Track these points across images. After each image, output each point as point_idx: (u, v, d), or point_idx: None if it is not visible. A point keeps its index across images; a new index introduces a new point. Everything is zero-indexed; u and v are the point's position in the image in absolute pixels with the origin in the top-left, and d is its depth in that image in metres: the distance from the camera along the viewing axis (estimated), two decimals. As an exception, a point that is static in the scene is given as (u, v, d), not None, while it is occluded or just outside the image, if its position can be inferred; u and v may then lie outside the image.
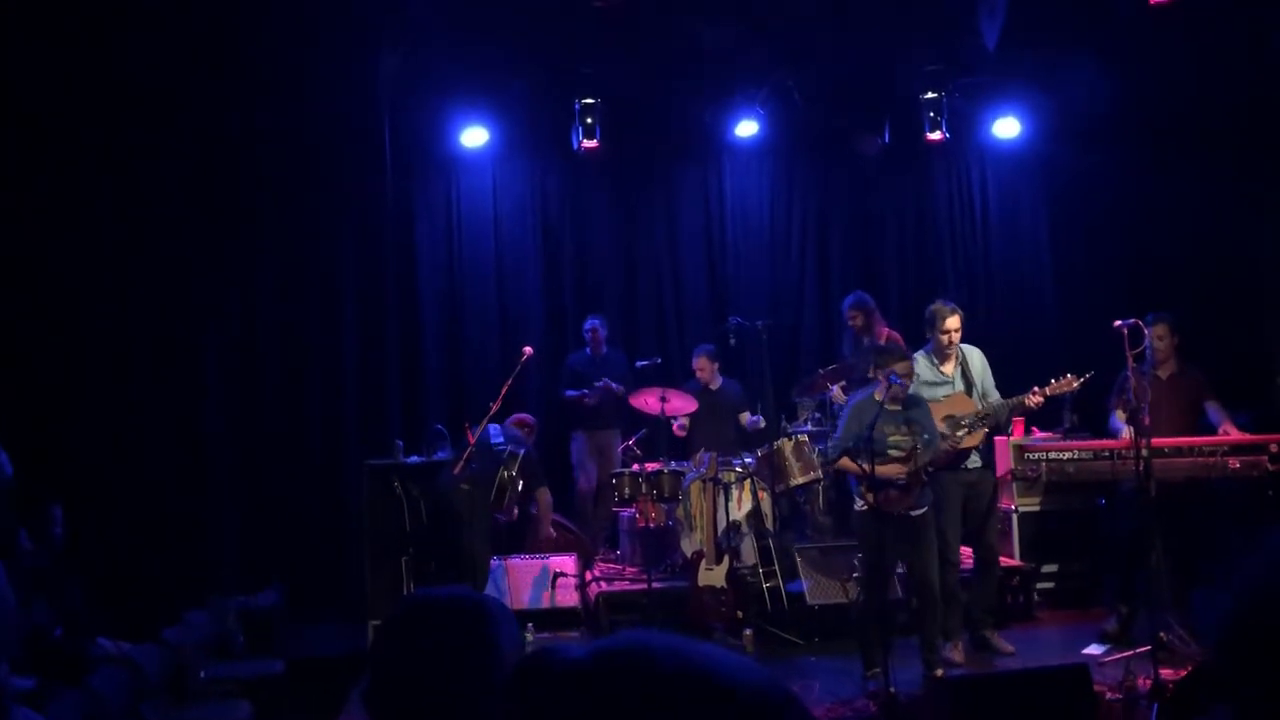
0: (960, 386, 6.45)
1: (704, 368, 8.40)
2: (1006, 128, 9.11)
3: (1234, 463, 6.72)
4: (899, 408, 5.83)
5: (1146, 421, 6.07)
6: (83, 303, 8.00)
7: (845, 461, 5.82)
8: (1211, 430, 6.89)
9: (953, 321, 6.41)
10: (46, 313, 7.86)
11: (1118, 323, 6.11)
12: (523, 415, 7.66)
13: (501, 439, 7.00)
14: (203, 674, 5.85)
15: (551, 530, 7.53)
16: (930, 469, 5.90)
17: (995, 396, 6.46)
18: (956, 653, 6.34)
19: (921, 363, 6.37)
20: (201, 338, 8.37)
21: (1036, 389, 6.30)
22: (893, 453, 5.77)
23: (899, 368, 5.78)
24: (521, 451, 7.00)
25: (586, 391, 8.49)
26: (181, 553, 7.78)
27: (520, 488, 7.04)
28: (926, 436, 5.83)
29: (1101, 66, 8.01)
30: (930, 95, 8.58)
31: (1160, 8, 6.28)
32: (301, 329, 8.65)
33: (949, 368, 6.48)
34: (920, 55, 8.35)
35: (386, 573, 7.17)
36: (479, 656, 1.77)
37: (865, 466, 5.65)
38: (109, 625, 5.70)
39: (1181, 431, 6.78)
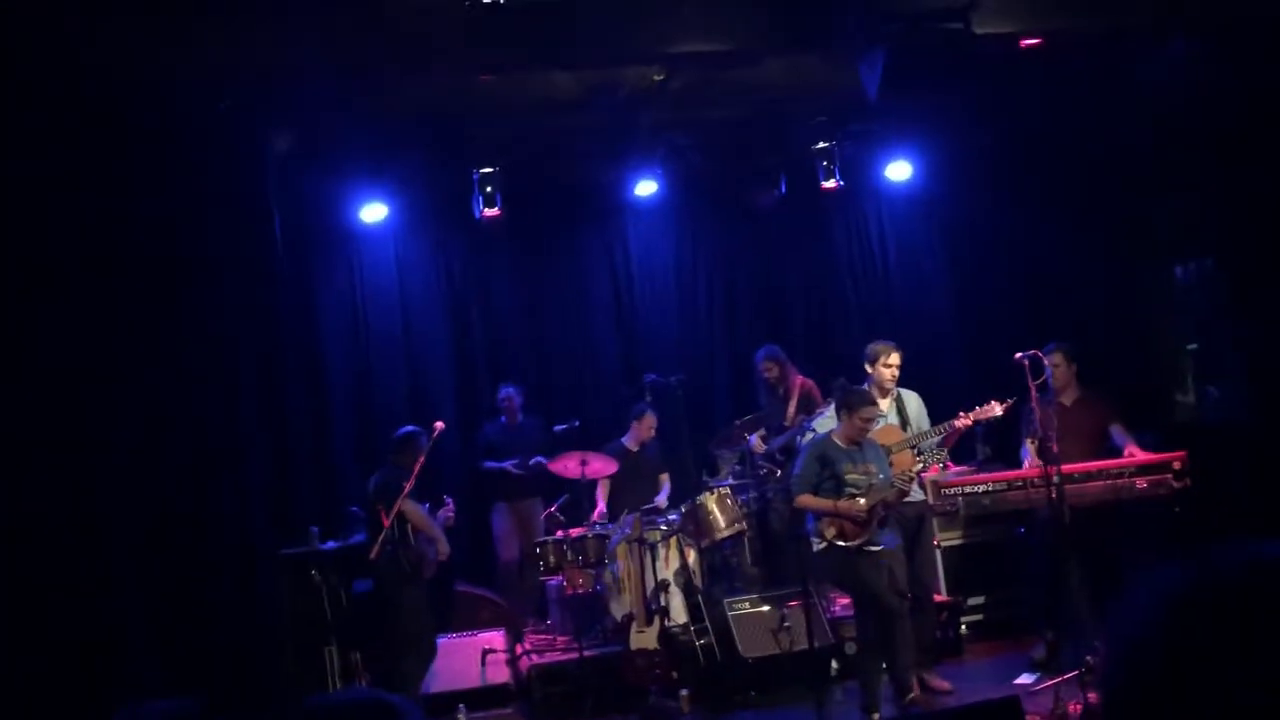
0: (894, 420, 6.69)
1: (651, 426, 8.30)
2: (898, 171, 9.34)
3: (1141, 483, 6.87)
4: (856, 447, 6.10)
5: (1055, 449, 6.20)
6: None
7: (807, 499, 6.09)
8: (1118, 453, 7.06)
9: (895, 358, 6.70)
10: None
11: (1018, 355, 6.26)
12: (406, 427, 7.28)
13: (384, 495, 6.75)
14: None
15: (442, 548, 6.98)
16: (885, 506, 6.04)
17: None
18: (936, 681, 6.50)
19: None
20: (98, 433, 8.07)
21: (963, 412, 6.51)
22: (850, 490, 6.01)
23: (865, 412, 6.09)
24: (405, 486, 6.69)
25: (513, 462, 8.40)
26: (91, 660, 7.43)
27: (395, 528, 6.72)
28: (882, 476, 6.07)
29: (983, 107, 8.29)
30: (821, 145, 8.76)
31: (1030, 50, 6.53)
32: (204, 418, 8.40)
33: (885, 403, 6.68)
34: (808, 107, 8.54)
35: (310, 664, 6.96)
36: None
37: (827, 503, 5.99)
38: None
39: (1089, 456, 6.93)
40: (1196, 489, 6.73)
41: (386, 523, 6.51)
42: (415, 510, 6.74)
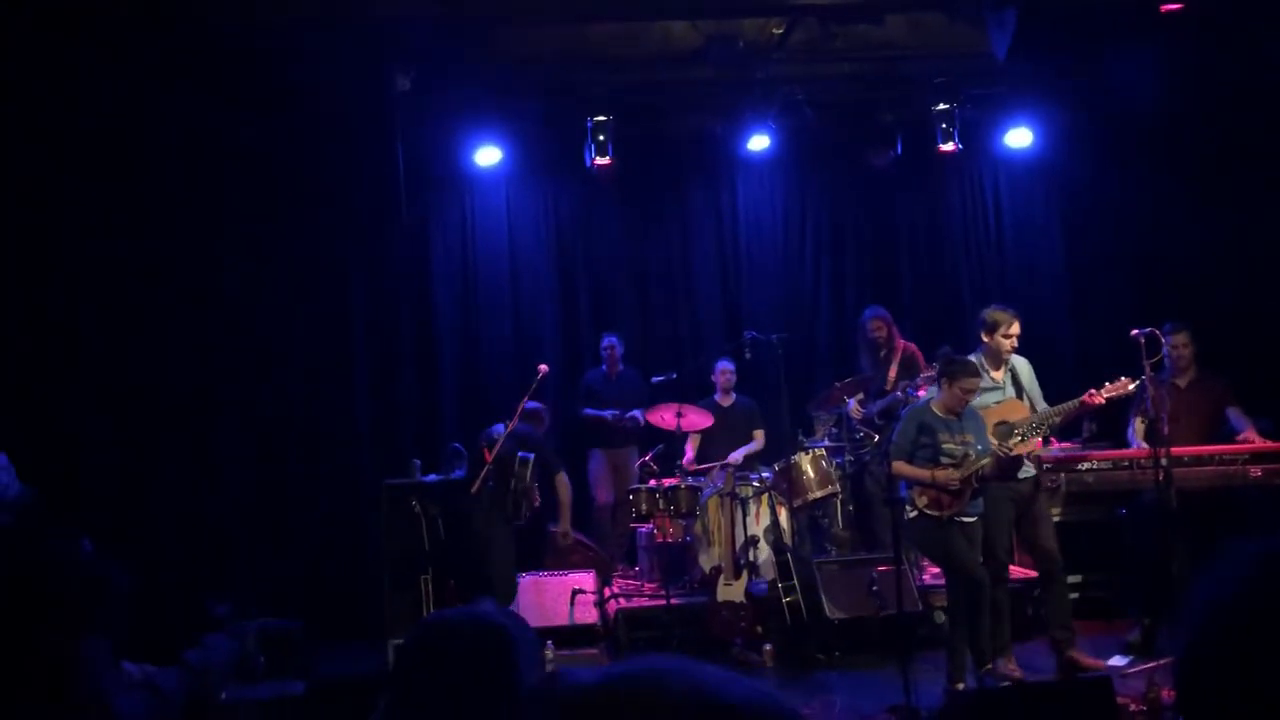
0: (1011, 393, 6.34)
1: (727, 374, 8.40)
2: (1019, 137, 9.09)
3: (1255, 471, 6.67)
4: (955, 417, 5.98)
5: (1165, 431, 6.03)
6: (89, 325, 8.06)
7: (903, 466, 6.02)
8: (1233, 438, 6.84)
9: (1015, 328, 6.30)
10: (51, 342, 7.92)
11: (1135, 332, 6.09)
12: (533, 405, 7.56)
13: (509, 444, 7.01)
14: (224, 696, 5.85)
15: (569, 533, 7.50)
16: (979, 479, 5.93)
17: (1043, 405, 6.33)
18: (1010, 666, 6.22)
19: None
20: (215, 361, 8.41)
21: (1094, 390, 6.10)
22: (945, 460, 5.92)
23: (967, 383, 5.93)
24: (531, 457, 7.00)
25: (612, 413, 8.51)
26: (201, 576, 7.80)
27: (535, 490, 7.06)
28: (980, 446, 5.95)
29: (1112, 74, 8.00)
30: (942, 106, 8.57)
31: (1170, 15, 6.26)
32: (316, 350, 8.69)
33: (1000, 374, 6.35)
34: (929, 67, 8.35)
35: (406, 593, 7.18)
36: (499, 679, 1.77)
37: (924, 470, 5.91)
38: (129, 649, 5.71)
39: (1203, 440, 6.73)
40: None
41: (489, 458, 6.66)
42: (566, 486, 7.38)
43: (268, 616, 7.12)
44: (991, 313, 6.39)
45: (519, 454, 6.99)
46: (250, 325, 8.54)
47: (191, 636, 6.49)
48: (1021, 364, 6.44)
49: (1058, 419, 6.31)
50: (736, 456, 8.28)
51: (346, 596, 8.08)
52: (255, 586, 8.05)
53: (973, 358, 6.27)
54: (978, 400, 6.15)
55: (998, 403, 6.23)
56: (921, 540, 6.27)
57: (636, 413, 8.44)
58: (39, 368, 7.84)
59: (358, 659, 7.25)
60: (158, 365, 8.24)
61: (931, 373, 7.42)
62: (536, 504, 7.17)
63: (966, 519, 5.98)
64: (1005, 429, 6.11)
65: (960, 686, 5.98)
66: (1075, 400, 6.16)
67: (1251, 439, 6.81)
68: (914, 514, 6.04)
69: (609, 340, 8.72)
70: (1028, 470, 6.28)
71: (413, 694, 1.83)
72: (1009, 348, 6.29)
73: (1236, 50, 7.60)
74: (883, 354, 8.16)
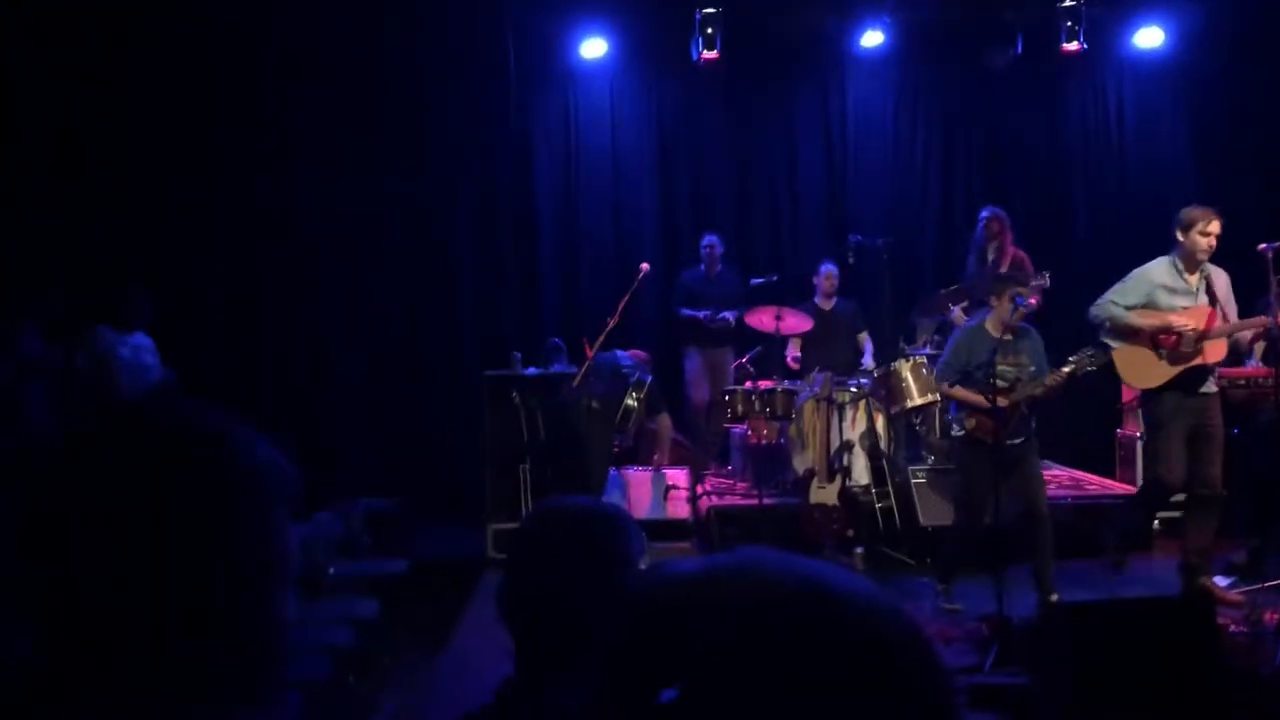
0: (1203, 300, 5.86)
1: (831, 278, 8.29)
2: (1149, 38, 8.64)
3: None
4: (1010, 338, 5.80)
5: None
6: (214, 225, 8.32)
7: (949, 388, 5.95)
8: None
9: (1215, 226, 5.75)
10: (180, 239, 8.20)
11: (1262, 246, 5.81)
12: (637, 351, 7.70)
13: (630, 363, 7.10)
14: (331, 571, 6.12)
15: (668, 457, 7.66)
16: (1029, 404, 5.77)
17: (1235, 319, 5.95)
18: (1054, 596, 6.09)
19: (1164, 267, 5.91)
20: (324, 253, 8.60)
21: None
22: (998, 383, 5.72)
23: (1014, 291, 5.78)
24: (648, 379, 7.11)
25: (706, 313, 8.48)
26: (310, 456, 8.11)
27: (642, 413, 7.19)
28: (1033, 369, 5.79)
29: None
30: (1068, 3, 8.16)
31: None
32: (421, 240, 8.82)
33: (1194, 278, 5.87)
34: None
35: (505, 481, 7.36)
36: (612, 566, 1.82)
37: (975, 395, 5.77)
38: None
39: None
40: None
41: (590, 352, 6.73)
42: (668, 425, 7.62)
43: (374, 497, 7.41)
44: (1188, 210, 5.88)
45: (639, 375, 7.10)
46: (355, 219, 8.70)
47: (302, 513, 6.81)
48: (1220, 276, 5.94)
49: (1248, 332, 5.96)
50: (867, 361, 8.18)
51: (448, 482, 8.34)
52: (362, 469, 8.37)
53: (1164, 259, 5.91)
54: (1166, 301, 5.82)
55: (1185, 308, 5.82)
56: (961, 459, 6.13)
57: (728, 314, 8.39)
58: (168, 263, 8.15)
59: (457, 541, 7.50)
60: (275, 264, 8.48)
61: (1042, 281, 7.23)
62: (631, 442, 7.40)
63: (1013, 441, 5.81)
64: (1191, 335, 5.75)
65: (1055, 598, 5.96)
66: (1261, 317, 5.81)
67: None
68: (961, 433, 5.96)
69: (710, 239, 8.65)
70: (1209, 387, 5.87)
71: (529, 575, 1.89)
72: (1205, 246, 5.76)
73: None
74: (992, 258, 7.94)
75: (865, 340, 8.32)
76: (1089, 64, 8.98)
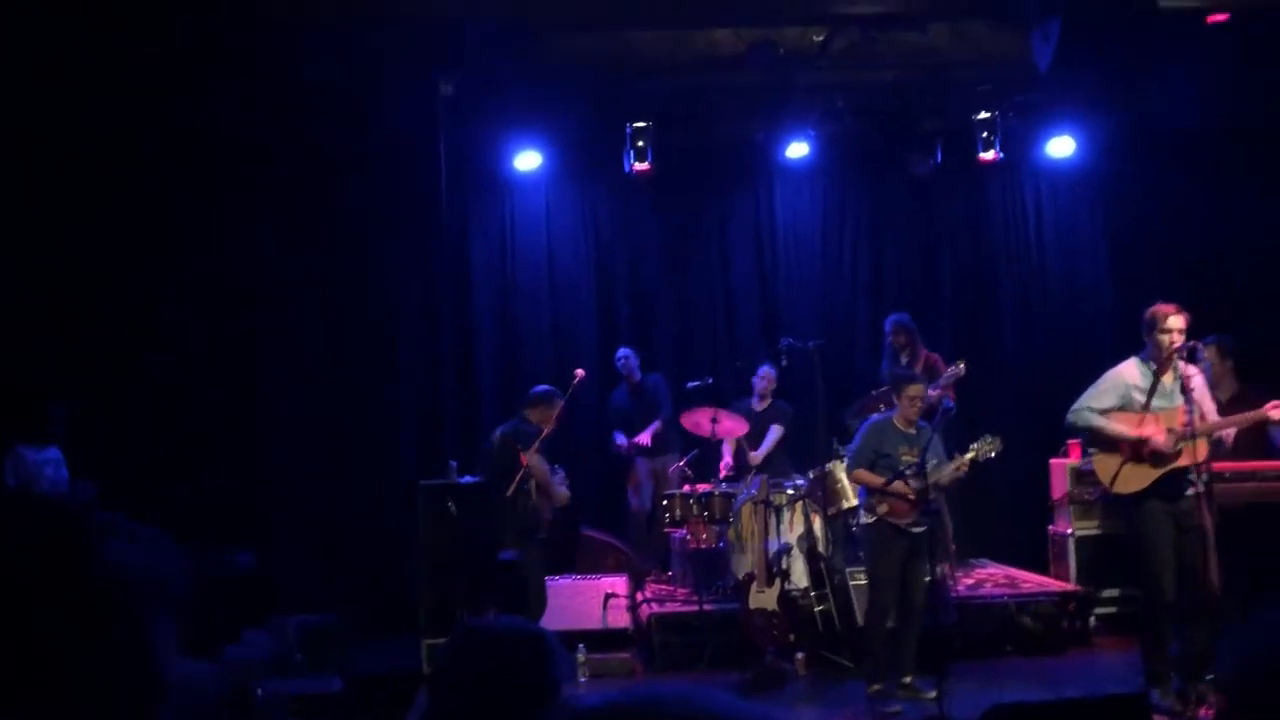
0: (1179, 401, 5.67)
1: (768, 379, 8.42)
2: (1061, 147, 9.03)
3: (1298, 489, 6.57)
4: (914, 431, 6.23)
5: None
6: (139, 323, 8.25)
7: (863, 474, 6.28)
8: (1277, 455, 6.75)
9: (1175, 322, 5.61)
10: (106, 340, 8.11)
11: (1175, 346, 6.01)
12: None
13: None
14: (260, 692, 5.95)
15: (561, 491, 7.08)
16: (934, 491, 6.17)
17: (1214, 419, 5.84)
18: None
19: (1135, 368, 5.81)
20: (259, 360, 8.55)
21: (1277, 402, 5.62)
22: (904, 472, 6.11)
23: (911, 390, 6.21)
24: (496, 436, 7.01)
25: (624, 444, 8.56)
26: (244, 573, 7.91)
27: (553, 486, 6.93)
28: (935, 460, 6.18)
29: (1157, 85, 7.93)
30: (983, 115, 8.53)
31: (1216, 26, 6.21)
32: (359, 351, 8.81)
33: (1168, 378, 5.72)
34: (971, 75, 8.31)
35: (440, 593, 7.24)
36: (534, 693, 1.81)
37: (880, 479, 6.14)
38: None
39: (1244, 456, 6.65)
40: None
41: (525, 461, 6.69)
42: (539, 465, 6.81)
43: (308, 612, 7.24)
44: (1151, 309, 5.76)
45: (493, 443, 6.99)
46: (294, 326, 8.67)
47: (232, 632, 6.62)
48: (1195, 373, 5.83)
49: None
50: (757, 456, 8.27)
51: (384, 594, 8.18)
52: (297, 583, 8.18)
53: (1135, 360, 5.85)
54: (1141, 402, 5.66)
55: (1162, 409, 5.69)
56: (869, 546, 6.42)
57: (643, 437, 8.52)
58: (89, 368, 8.03)
59: (393, 656, 7.33)
60: (203, 366, 8.39)
61: (957, 371, 7.51)
62: (565, 496, 7.02)
63: (916, 529, 6.15)
64: (1172, 435, 5.64)
65: (909, 680, 6.19)
66: (1255, 412, 5.73)
67: (1294, 456, 6.71)
68: (870, 520, 6.25)
69: (623, 352, 8.79)
70: (1192, 488, 5.64)
71: (452, 699, 1.87)
72: (1168, 344, 5.63)
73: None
74: (905, 362, 8.13)
75: (773, 430, 8.39)
76: (1007, 171, 9.34)
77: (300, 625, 7.03)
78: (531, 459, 6.74)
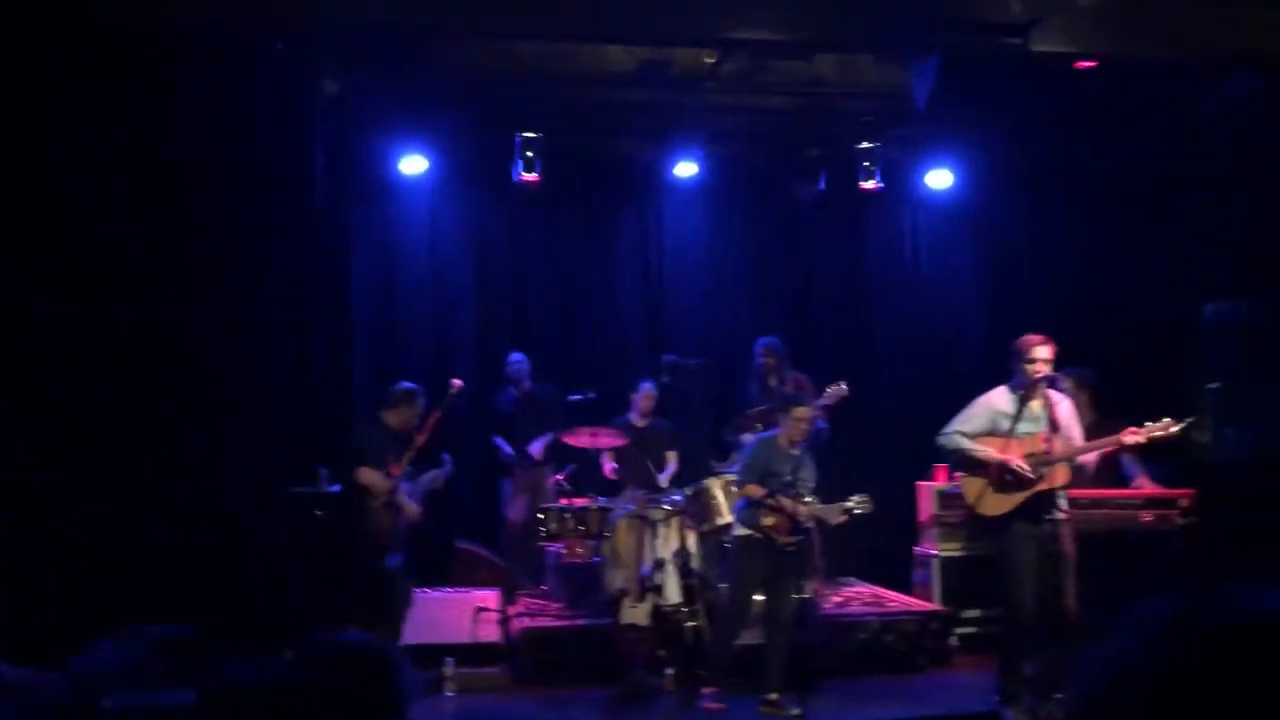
0: (1044, 427, 5.90)
1: (649, 396, 8.42)
2: (939, 179, 9.32)
3: (1147, 516, 6.89)
4: (796, 452, 6.34)
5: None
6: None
7: (753, 488, 6.36)
8: (1128, 483, 7.06)
9: (1042, 351, 5.84)
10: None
11: (1037, 376, 6.23)
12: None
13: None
14: (107, 704, 5.69)
15: (410, 512, 6.87)
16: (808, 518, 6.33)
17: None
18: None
19: (1004, 395, 6.02)
20: (122, 364, 8.20)
21: (1134, 428, 5.88)
22: (796, 490, 6.26)
23: (798, 413, 6.35)
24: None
25: (513, 455, 8.49)
26: (96, 579, 7.57)
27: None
28: (811, 484, 6.36)
29: (1031, 124, 8.26)
30: (865, 145, 8.75)
31: (1086, 72, 6.50)
32: (230, 355, 8.51)
33: (1035, 405, 5.94)
34: (856, 105, 8.52)
35: (307, 603, 7.05)
36: (381, 708, 1.77)
37: (771, 498, 6.25)
38: (11, 650, 5.53)
39: (1101, 483, 6.93)
40: (1202, 528, 6.73)
41: (396, 472, 6.57)
42: (373, 478, 6.63)
43: (166, 621, 6.96)
44: (1020, 340, 6.01)
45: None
46: (162, 331, 8.34)
47: (81, 641, 6.32)
48: (1061, 400, 6.08)
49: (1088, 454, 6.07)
50: (663, 479, 8.29)
51: (251, 604, 7.91)
52: (152, 592, 7.85)
53: (1004, 388, 6.04)
54: (1007, 428, 5.86)
55: (1028, 434, 5.90)
56: (740, 559, 6.46)
57: (535, 446, 8.47)
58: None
59: (256, 667, 7.08)
60: (64, 368, 8.01)
61: (840, 390, 7.62)
62: (412, 517, 6.81)
63: (789, 547, 6.30)
64: (1034, 460, 5.86)
65: (774, 697, 6.26)
66: (1110, 438, 5.96)
67: (1144, 485, 7.03)
68: (746, 533, 6.34)
69: (516, 357, 8.71)
70: (1057, 513, 5.87)
71: (294, 715, 1.82)
72: (1032, 374, 5.87)
73: (1156, 105, 7.90)
74: (773, 384, 8.24)
75: (671, 459, 8.45)
76: (887, 200, 9.58)
77: (156, 635, 6.75)
78: (366, 476, 6.59)
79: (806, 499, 6.32)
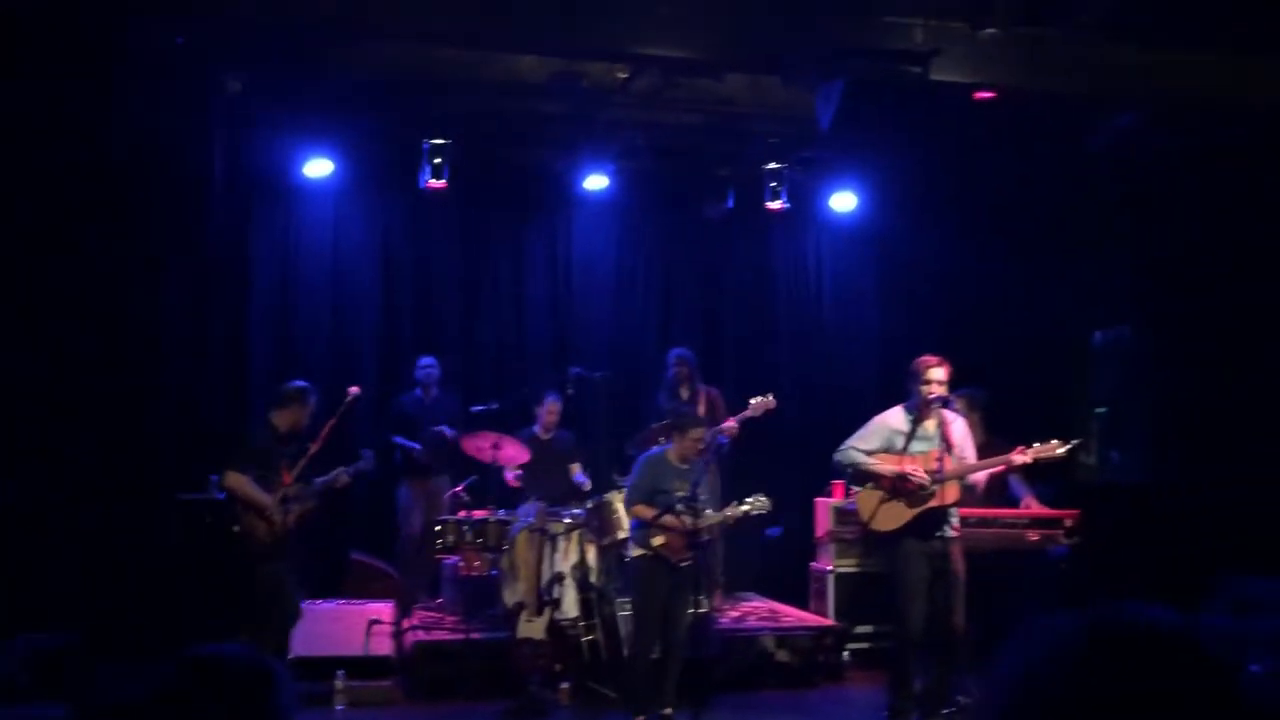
0: (937, 445, 6.00)
1: (553, 410, 8.37)
2: (842, 201, 9.50)
3: (1033, 536, 7.09)
4: (687, 468, 6.31)
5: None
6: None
7: (641, 509, 6.31)
8: (1015, 503, 7.26)
9: (934, 373, 5.98)
10: None
11: (932, 397, 6.38)
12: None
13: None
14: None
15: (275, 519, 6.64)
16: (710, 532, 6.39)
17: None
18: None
19: (900, 414, 6.14)
20: (10, 363, 7.86)
21: (1023, 447, 6.02)
22: (679, 508, 6.19)
23: (694, 434, 6.34)
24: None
25: (418, 446, 8.36)
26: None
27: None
28: (704, 498, 6.38)
29: (931, 151, 8.46)
30: (771, 165, 8.87)
31: (983, 102, 6.70)
32: (120, 357, 8.23)
33: (930, 424, 6.06)
34: (765, 125, 8.63)
35: (194, 610, 6.85)
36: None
37: (659, 518, 6.18)
38: None
39: (989, 503, 7.11)
40: (1086, 548, 6.95)
41: (288, 479, 6.43)
42: (239, 482, 6.42)
43: (41, 631, 6.67)
44: (916, 361, 6.13)
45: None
46: (49, 329, 8.02)
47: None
48: (955, 420, 6.20)
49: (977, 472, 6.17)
50: (583, 479, 8.23)
51: (138, 613, 7.64)
52: (29, 600, 7.53)
53: (900, 408, 6.15)
54: (902, 445, 5.99)
55: (921, 452, 6.03)
56: (638, 579, 6.43)
57: (445, 428, 8.30)
58: None
59: (131, 680, 6.84)
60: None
61: (768, 403, 7.64)
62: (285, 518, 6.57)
63: (685, 564, 6.26)
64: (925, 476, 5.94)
65: (669, 712, 6.23)
66: (999, 457, 6.09)
67: (1031, 505, 7.24)
68: (639, 554, 6.32)
69: (426, 361, 8.59)
70: (947, 530, 5.96)
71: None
72: (926, 394, 5.99)
73: (1049, 136, 8.18)
74: (685, 395, 8.29)
75: (576, 470, 8.42)
76: (792, 220, 9.73)
77: (29, 645, 6.47)
78: (232, 480, 6.38)
79: (706, 511, 6.33)
